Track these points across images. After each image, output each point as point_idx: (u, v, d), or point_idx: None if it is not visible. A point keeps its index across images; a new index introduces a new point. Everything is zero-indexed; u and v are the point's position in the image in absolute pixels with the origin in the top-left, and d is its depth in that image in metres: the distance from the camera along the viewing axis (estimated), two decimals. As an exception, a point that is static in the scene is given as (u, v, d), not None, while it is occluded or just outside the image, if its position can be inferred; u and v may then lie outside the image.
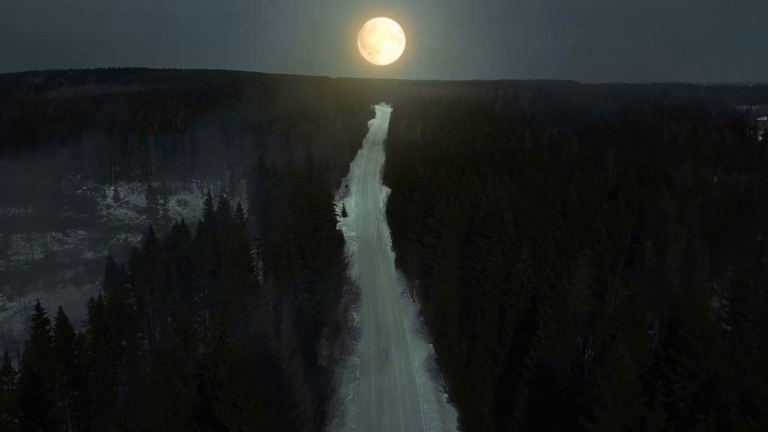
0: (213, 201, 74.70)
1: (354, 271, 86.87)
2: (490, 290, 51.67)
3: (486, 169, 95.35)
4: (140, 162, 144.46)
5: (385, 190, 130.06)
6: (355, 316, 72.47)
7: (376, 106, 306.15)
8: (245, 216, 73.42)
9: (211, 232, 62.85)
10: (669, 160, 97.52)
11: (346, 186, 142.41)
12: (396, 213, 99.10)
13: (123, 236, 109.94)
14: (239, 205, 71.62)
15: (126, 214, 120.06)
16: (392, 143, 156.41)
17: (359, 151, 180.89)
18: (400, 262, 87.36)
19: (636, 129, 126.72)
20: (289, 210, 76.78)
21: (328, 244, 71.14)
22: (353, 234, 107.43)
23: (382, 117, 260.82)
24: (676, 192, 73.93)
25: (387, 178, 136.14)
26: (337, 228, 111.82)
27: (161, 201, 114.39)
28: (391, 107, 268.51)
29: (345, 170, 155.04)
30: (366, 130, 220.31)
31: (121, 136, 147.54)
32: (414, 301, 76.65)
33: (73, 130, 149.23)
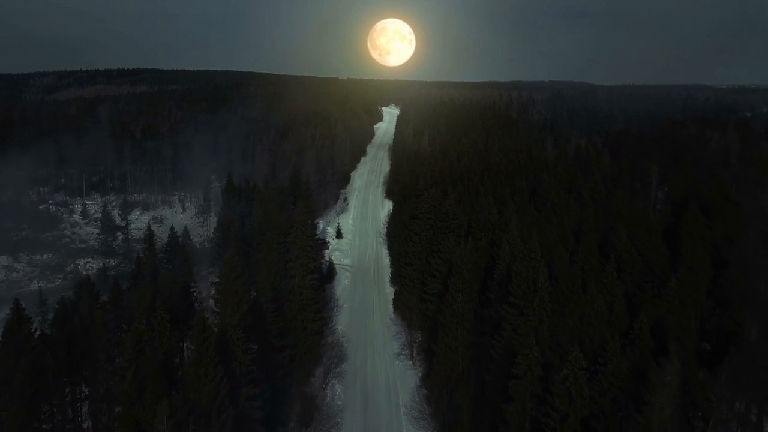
0: (155, 238, 57.25)
1: (342, 317, 69.29)
2: (518, 397, 33.85)
3: (504, 189, 77.34)
4: (119, 172, 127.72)
5: (388, 206, 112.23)
6: (337, 387, 54.87)
7: (384, 108, 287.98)
8: (199, 253, 55.83)
9: (144, 288, 45.39)
10: (726, 178, 78.73)
11: (345, 200, 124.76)
12: (397, 238, 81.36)
13: (83, 261, 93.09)
14: (184, 248, 54.10)
15: (92, 233, 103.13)
16: (397, 151, 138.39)
17: (362, 159, 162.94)
18: (398, 305, 69.50)
19: (674, 138, 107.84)
20: (258, 246, 59.23)
21: (302, 295, 53.49)
22: (347, 262, 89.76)
23: (390, 120, 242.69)
24: (756, 227, 55.32)
25: (390, 191, 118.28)
26: (329, 253, 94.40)
27: (120, 221, 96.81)
28: (400, 110, 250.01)
29: (345, 181, 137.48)
30: (372, 134, 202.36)
31: (98, 142, 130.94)
32: (414, 363, 58.80)
33: (47, 136, 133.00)
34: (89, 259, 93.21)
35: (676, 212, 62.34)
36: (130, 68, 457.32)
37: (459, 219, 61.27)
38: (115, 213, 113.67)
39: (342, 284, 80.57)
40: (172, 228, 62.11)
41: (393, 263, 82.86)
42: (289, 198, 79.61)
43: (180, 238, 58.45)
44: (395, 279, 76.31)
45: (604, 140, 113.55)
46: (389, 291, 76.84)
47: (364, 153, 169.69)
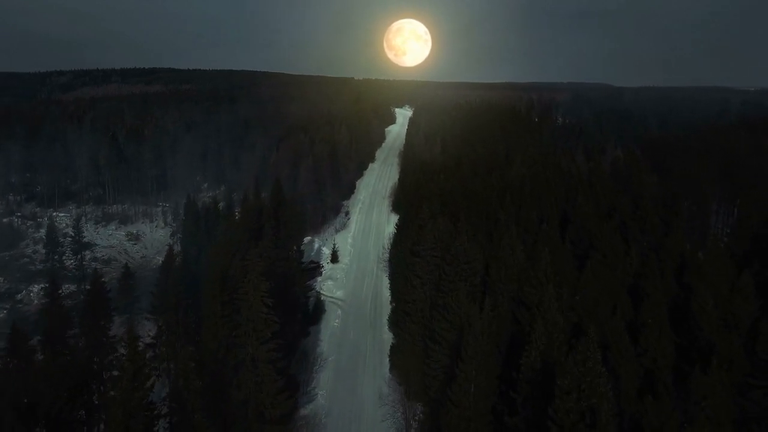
0: (59, 291, 42.32)
1: (325, 376, 54.13)
2: None
3: (530, 213, 61.55)
4: (101, 180, 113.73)
5: (394, 220, 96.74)
6: (303, 495, 39.99)
7: (397, 109, 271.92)
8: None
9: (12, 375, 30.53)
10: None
11: (346, 213, 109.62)
12: (398, 270, 66.06)
13: (37, 288, 78.78)
14: (101, 298, 38.95)
15: (56, 252, 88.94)
16: (407, 159, 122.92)
17: (370, 165, 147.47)
18: (396, 361, 54.20)
19: (726, 148, 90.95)
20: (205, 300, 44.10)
21: (257, 370, 38.43)
22: (339, 294, 74.53)
23: (403, 122, 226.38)
24: None
25: (398, 204, 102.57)
26: (320, 282, 79.40)
27: (68, 236, 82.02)
28: (413, 112, 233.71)
29: (349, 191, 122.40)
30: (382, 138, 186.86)
31: (83, 146, 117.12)
32: (411, 456, 43.54)
33: (31, 138, 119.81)
34: (45, 285, 78.67)
35: (762, 256, 46.23)
36: (146, 68, 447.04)
37: (473, 262, 45.70)
38: (89, 226, 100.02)
39: (330, 326, 65.47)
40: (95, 271, 47.44)
41: (393, 299, 67.55)
42: (270, 222, 64.58)
43: (102, 280, 43.23)
44: (394, 324, 60.89)
45: (642, 150, 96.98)
46: (387, 338, 61.42)
47: (372, 159, 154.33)
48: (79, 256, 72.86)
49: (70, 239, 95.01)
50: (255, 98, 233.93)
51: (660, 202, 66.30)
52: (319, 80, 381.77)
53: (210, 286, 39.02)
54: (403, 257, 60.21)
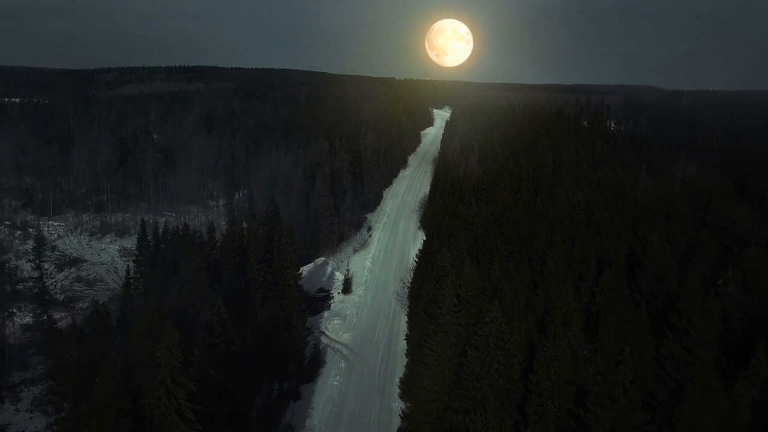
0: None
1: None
2: None
3: (587, 254, 46.19)
4: (102, 186, 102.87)
5: (421, 239, 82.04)
6: None
7: (436, 110, 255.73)
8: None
9: None
10: None
11: (369, 229, 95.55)
12: (418, 312, 51.71)
13: (5, 314, 67.50)
14: None
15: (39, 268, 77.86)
16: (439, 170, 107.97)
17: (401, 172, 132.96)
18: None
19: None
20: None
21: None
22: (346, 338, 60.41)
23: (441, 124, 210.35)
24: None
25: (426, 220, 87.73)
26: (325, 321, 65.51)
27: (56, 250, 70.42)
28: (450, 115, 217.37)
29: (375, 202, 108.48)
30: (417, 142, 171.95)
31: (96, 148, 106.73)
32: None
33: (33, 140, 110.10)
34: (14, 310, 67.37)
35: None
36: (191, 65, 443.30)
37: (508, 346, 30.78)
38: (82, 238, 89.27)
39: (329, 385, 51.50)
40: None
41: (409, 351, 53.08)
42: (258, 249, 51.19)
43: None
44: (405, 393, 46.36)
45: (716, 165, 79.72)
46: (396, 406, 47.13)
47: (404, 165, 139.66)
48: (40, 285, 60.98)
49: (58, 253, 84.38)
50: (290, 98, 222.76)
51: (757, 241, 49.83)
52: (359, 80, 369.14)
53: (106, 378, 25.54)
54: (419, 301, 45.92)
